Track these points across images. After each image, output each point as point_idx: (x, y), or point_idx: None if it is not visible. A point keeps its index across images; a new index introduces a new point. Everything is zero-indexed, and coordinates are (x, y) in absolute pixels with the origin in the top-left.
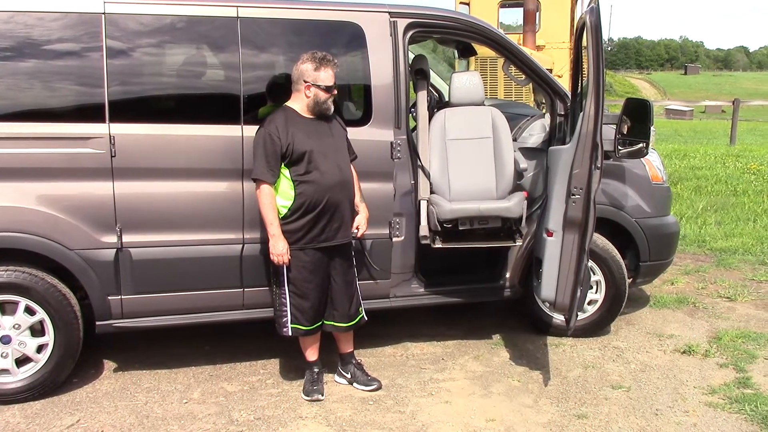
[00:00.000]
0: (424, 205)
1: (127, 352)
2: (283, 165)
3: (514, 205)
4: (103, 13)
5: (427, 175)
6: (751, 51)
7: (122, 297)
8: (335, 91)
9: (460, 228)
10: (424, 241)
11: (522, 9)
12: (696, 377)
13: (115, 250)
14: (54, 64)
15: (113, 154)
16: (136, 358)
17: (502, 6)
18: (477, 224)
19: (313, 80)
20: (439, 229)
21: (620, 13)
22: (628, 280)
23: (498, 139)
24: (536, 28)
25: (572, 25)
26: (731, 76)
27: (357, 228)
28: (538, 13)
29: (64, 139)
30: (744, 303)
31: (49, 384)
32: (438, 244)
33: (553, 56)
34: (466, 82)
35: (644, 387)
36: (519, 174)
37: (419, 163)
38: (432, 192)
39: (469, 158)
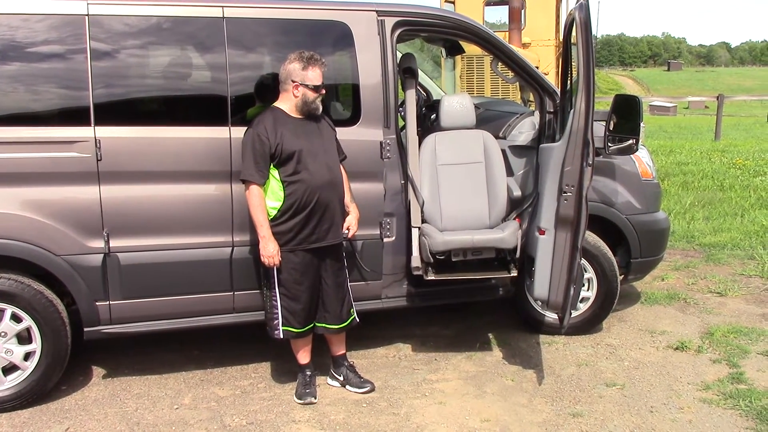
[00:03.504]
0: (415, 235)
1: (116, 358)
2: (272, 166)
3: (509, 235)
4: (87, 15)
5: (421, 203)
6: (732, 47)
7: (110, 302)
8: (323, 91)
9: (453, 259)
10: (416, 272)
11: (507, 7)
12: (689, 373)
13: (102, 255)
14: (37, 66)
15: (99, 158)
16: (125, 364)
17: (488, 4)
18: (470, 255)
19: (301, 80)
20: (432, 260)
21: (603, 10)
22: (620, 277)
23: (490, 164)
24: (521, 26)
25: (557, 23)
26: (713, 71)
27: (348, 228)
28: (523, 11)
29: (49, 143)
30: (734, 298)
31: (37, 392)
32: (431, 276)
33: (539, 54)
34: (456, 105)
35: (638, 384)
36: (512, 201)
37: (409, 169)
38: (423, 219)
39: (460, 184)
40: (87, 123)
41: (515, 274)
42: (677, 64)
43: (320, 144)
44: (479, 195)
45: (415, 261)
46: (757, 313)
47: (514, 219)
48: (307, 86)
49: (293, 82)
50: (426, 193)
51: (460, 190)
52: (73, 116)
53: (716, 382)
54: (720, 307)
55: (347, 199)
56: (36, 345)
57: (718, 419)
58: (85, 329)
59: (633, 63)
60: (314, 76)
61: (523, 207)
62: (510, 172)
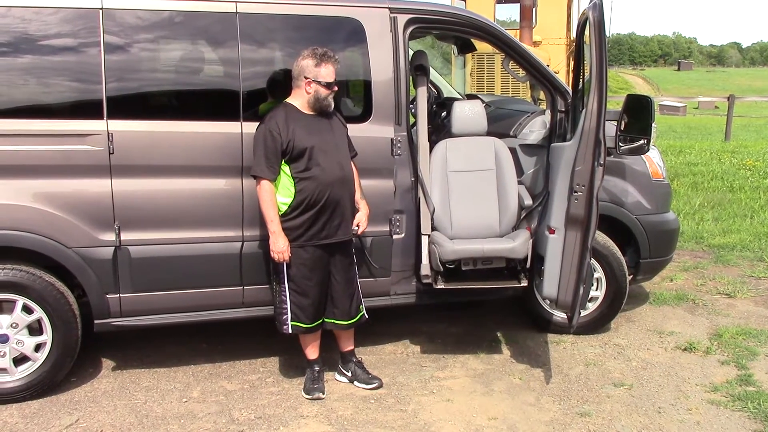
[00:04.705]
0: (425, 243)
1: (125, 350)
2: (283, 162)
3: (519, 245)
4: (101, 9)
5: (432, 210)
6: (744, 47)
7: (121, 295)
8: (336, 88)
9: (463, 268)
10: (425, 281)
11: (518, 5)
12: (698, 375)
13: (113, 248)
14: (51, 59)
15: (111, 151)
16: (134, 356)
17: (499, 2)
18: (480, 264)
19: (314, 76)
20: (441, 269)
21: (614, 9)
22: (629, 277)
23: (501, 172)
24: (532, 24)
25: (568, 21)
26: (724, 72)
27: (357, 225)
28: (534, 9)
29: (62, 136)
30: (743, 299)
31: (48, 383)
32: (440, 285)
33: (549, 52)
34: (468, 111)
35: (646, 385)
36: (522, 208)
37: (419, 169)
38: (433, 226)
39: (471, 191)
40: (100, 116)
41: (525, 284)
42: (688, 63)
43: (332, 140)
44: (490, 202)
45: (425, 269)
46: (765, 315)
47: (525, 228)
48: (319, 83)
49: (306, 78)
50: (436, 199)
51: (470, 198)
52: (86, 109)
53: (724, 383)
54: (729, 309)
55: (357, 195)
56: (47, 336)
57: (726, 421)
58: (96, 321)
59: (643, 62)
60: (327, 73)
61: (533, 206)
62: (520, 171)
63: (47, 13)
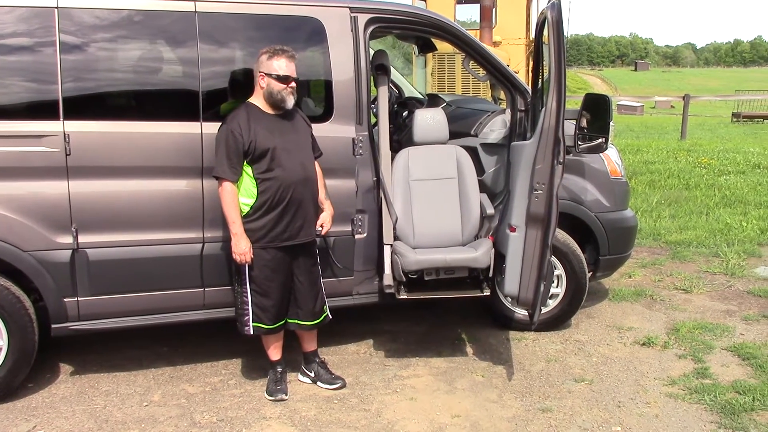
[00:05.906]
0: (387, 252)
1: (84, 355)
2: (245, 162)
3: (482, 255)
4: (56, 7)
5: (394, 220)
6: (698, 48)
7: (79, 299)
8: (292, 83)
9: (426, 278)
10: (388, 290)
11: (478, 5)
12: (656, 369)
13: (70, 251)
14: (5, 59)
15: (68, 153)
16: (93, 361)
17: (459, 2)
18: (443, 274)
19: (266, 70)
20: (404, 279)
21: (572, 9)
22: (589, 274)
23: (463, 180)
24: (492, 25)
25: (528, 22)
26: (679, 72)
27: (321, 226)
28: (494, 10)
29: (17, 138)
30: (699, 295)
31: (4, 390)
32: (403, 295)
33: (509, 52)
34: (429, 119)
35: (606, 379)
36: (484, 218)
37: (381, 173)
38: (395, 235)
39: (433, 200)
40: (56, 117)
41: (488, 294)
42: (644, 64)
43: (295, 141)
44: (452, 211)
45: (387, 279)
46: (721, 309)
47: (487, 237)
48: (270, 76)
49: (260, 73)
50: (399, 208)
51: (432, 206)
52: (42, 110)
53: (682, 377)
54: (685, 304)
55: (321, 196)
56: (2, 342)
57: (683, 413)
58: (53, 326)
59: (601, 63)
60: (279, 65)
61: (494, 214)
62: (481, 170)
63: (2, 12)
